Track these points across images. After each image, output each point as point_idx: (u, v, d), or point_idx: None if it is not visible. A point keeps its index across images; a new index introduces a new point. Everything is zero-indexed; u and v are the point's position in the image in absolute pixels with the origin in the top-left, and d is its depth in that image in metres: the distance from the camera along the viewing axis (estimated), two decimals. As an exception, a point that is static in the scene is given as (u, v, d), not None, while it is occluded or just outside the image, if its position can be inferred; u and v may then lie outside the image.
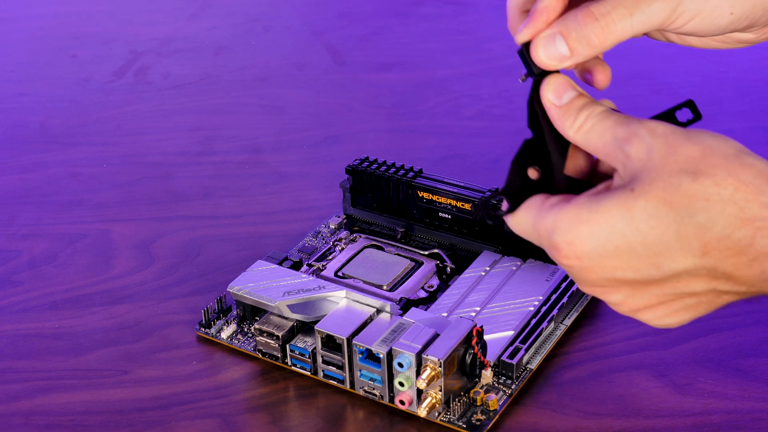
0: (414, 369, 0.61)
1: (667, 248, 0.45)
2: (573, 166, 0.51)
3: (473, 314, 0.68)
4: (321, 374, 0.66)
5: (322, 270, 0.73)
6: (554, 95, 0.49)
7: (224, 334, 0.70)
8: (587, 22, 0.48)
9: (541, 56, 0.49)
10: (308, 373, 0.67)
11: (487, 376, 0.65)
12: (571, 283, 0.71)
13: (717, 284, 0.46)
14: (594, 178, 0.52)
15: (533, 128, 0.51)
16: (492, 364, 0.65)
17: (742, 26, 0.52)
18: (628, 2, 0.48)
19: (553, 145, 0.51)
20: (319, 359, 0.66)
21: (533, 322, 0.67)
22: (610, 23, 0.48)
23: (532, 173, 0.50)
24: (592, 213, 0.46)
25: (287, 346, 0.67)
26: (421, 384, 0.61)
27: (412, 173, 0.77)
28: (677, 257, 0.45)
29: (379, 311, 0.66)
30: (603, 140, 0.48)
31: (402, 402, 0.63)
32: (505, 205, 0.50)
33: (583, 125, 0.48)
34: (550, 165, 0.51)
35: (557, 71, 0.50)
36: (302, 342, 0.67)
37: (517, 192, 0.50)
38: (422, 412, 0.62)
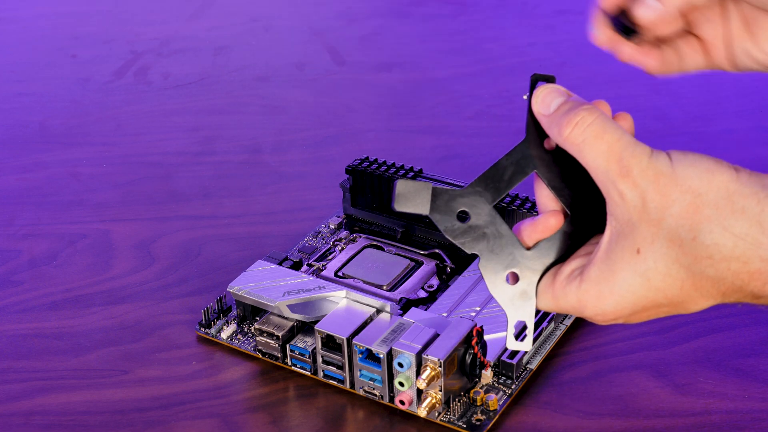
0: (414, 369, 0.61)
1: (689, 296, 0.48)
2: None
3: (473, 314, 0.68)
4: (321, 374, 0.66)
5: (322, 270, 0.73)
6: (542, 105, 0.50)
7: (224, 334, 0.70)
8: None
9: (640, 12, 0.51)
10: (308, 373, 0.67)
11: (487, 376, 0.65)
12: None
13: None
14: None
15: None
16: (492, 364, 0.65)
17: None
18: None
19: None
20: (319, 359, 0.66)
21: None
22: None
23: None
24: (612, 286, 0.48)
25: (287, 346, 0.67)
26: (421, 384, 0.61)
27: (412, 173, 0.76)
28: (700, 301, 0.48)
29: (379, 311, 0.66)
30: (595, 165, 0.48)
31: (402, 402, 0.63)
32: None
33: (571, 135, 0.48)
34: None
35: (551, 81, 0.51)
36: (302, 342, 0.67)
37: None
38: (422, 412, 0.62)
